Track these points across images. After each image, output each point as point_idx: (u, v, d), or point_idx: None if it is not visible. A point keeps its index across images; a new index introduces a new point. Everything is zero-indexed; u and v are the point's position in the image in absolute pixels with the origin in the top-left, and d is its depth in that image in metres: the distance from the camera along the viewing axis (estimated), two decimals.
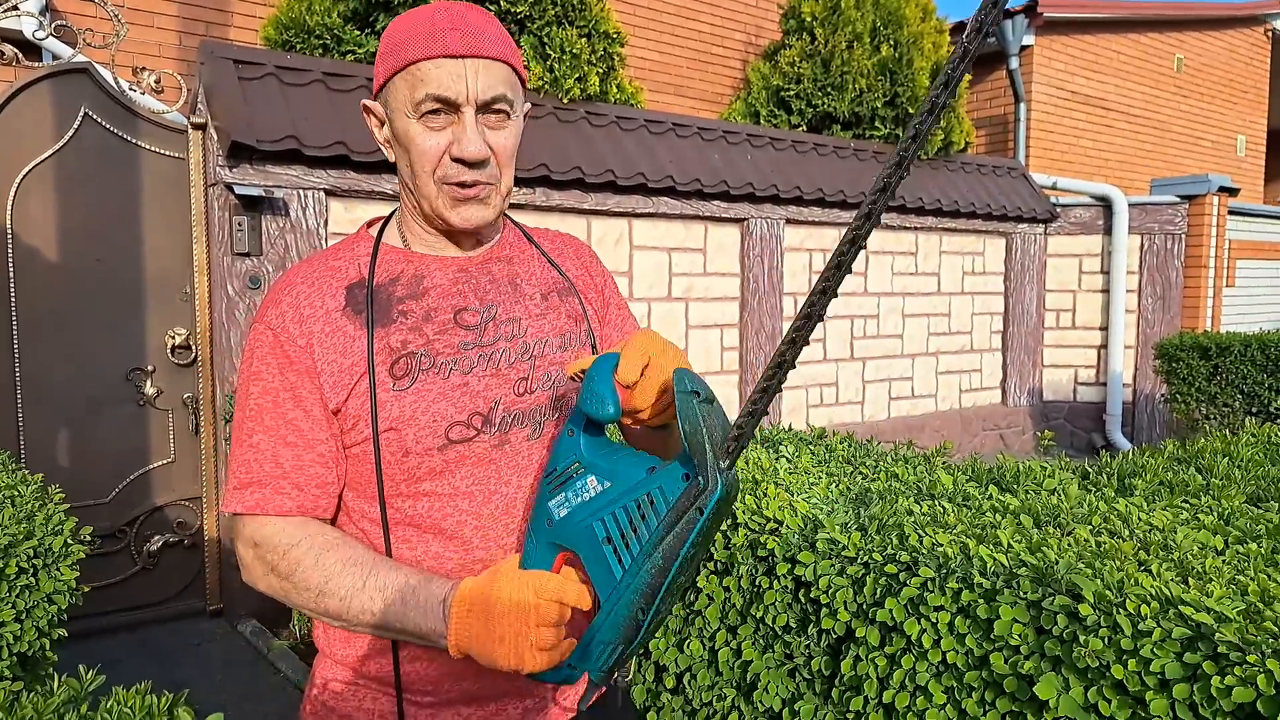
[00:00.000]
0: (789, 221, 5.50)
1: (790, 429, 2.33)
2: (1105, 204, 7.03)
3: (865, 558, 1.43)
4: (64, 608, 1.54)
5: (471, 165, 1.06)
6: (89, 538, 1.56)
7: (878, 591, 1.39)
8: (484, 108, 1.05)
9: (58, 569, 1.53)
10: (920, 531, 1.45)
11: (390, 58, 1.05)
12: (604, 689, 1.11)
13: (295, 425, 1.05)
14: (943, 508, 1.61)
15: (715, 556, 1.61)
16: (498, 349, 1.13)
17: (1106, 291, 7.11)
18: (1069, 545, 1.40)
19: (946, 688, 1.33)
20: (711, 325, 5.29)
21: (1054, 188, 7.37)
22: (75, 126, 3.67)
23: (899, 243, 6.20)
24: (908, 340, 6.37)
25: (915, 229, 6.24)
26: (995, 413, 6.99)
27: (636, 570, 0.89)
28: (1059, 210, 7.12)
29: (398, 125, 1.07)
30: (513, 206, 4.47)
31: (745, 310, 5.36)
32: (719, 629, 1.65)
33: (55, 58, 4.18)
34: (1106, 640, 1.16)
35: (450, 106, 1.04)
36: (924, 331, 6.47)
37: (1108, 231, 7.05)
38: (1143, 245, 7.06)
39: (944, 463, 2.00)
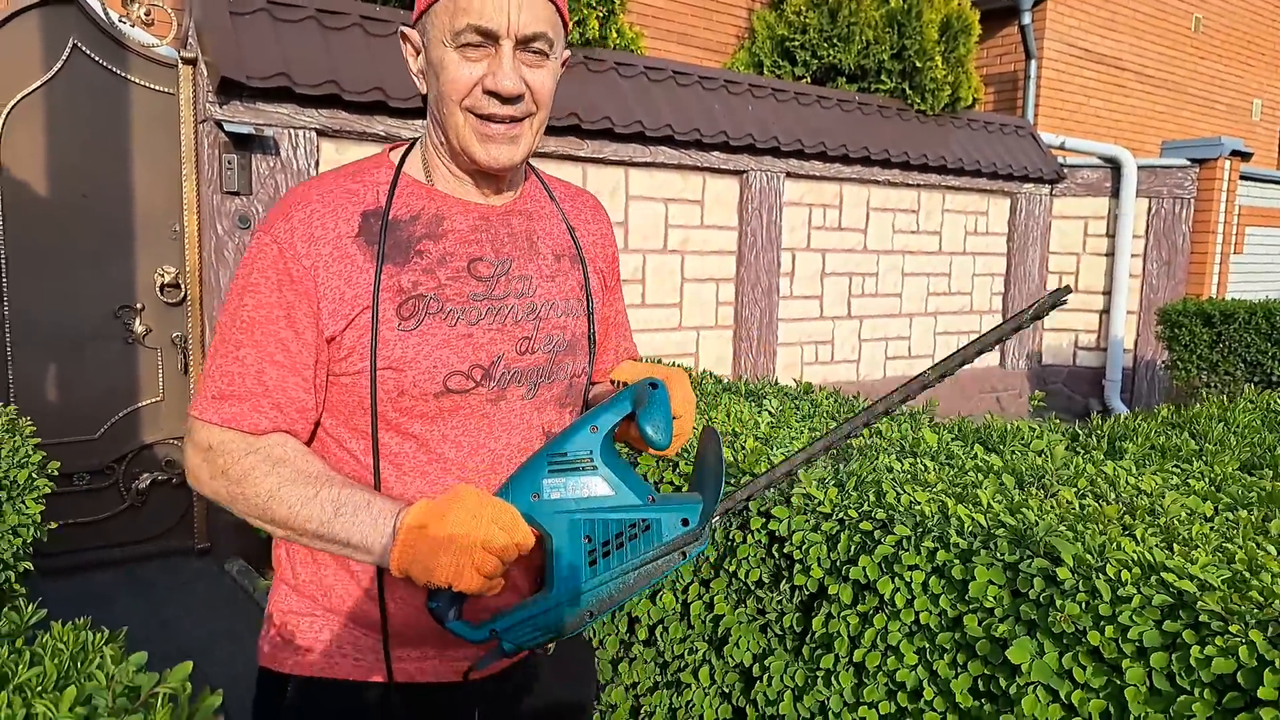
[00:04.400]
0: (789, 175, 5.41)
1: (776, 383, 2.30)
2: (1114, 166, 6.91)
3: (840, 514, 1.40)
4: (29, 541, 1.52)
5: (504, 100, 1.03)
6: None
7: (851, 549, 1.36)
8: (523, 43, 1.02)
9: (23, 502, 1.50)
10: (899, 489, 1.42)
11: None
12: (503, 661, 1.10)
13: (285, 344, 1.03)
14: (924, 465, 1.58)
15: None
16: (506, 304, 1.11)
17: (1111, 255, 7.02)
18: (1051, 507, 1.37)
19: (919, 648, 1.31)
20: (707, 279, 5.23)
21: (1062, 148, 7.24)
22: (64, 58, 3.58)
23: (900, 200, 6.10)
24: (906, 299, 6.31)
25: (918, 186, 6.14)
26: (992, 375, 6.96)
27: (606, 580, 0.97)
28: (1066, 171, 7.00)
29: (433, 53, 1.04)
30: None
31: (742, 265, 5.30)
32: (692, 582, 1.64)
33: None
34: (1084, 605, 1.13)
35: (489, 38, 1.01)
36: (923, 291, 6.41)
37: (1115, 194, 6.94)
38: (1150, 209, 6.95)
39: (930, 420, 1.97)
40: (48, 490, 1.53)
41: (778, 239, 5.37)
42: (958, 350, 1.07)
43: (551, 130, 4.40)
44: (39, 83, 3.53)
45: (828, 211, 5.70)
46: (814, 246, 5.67)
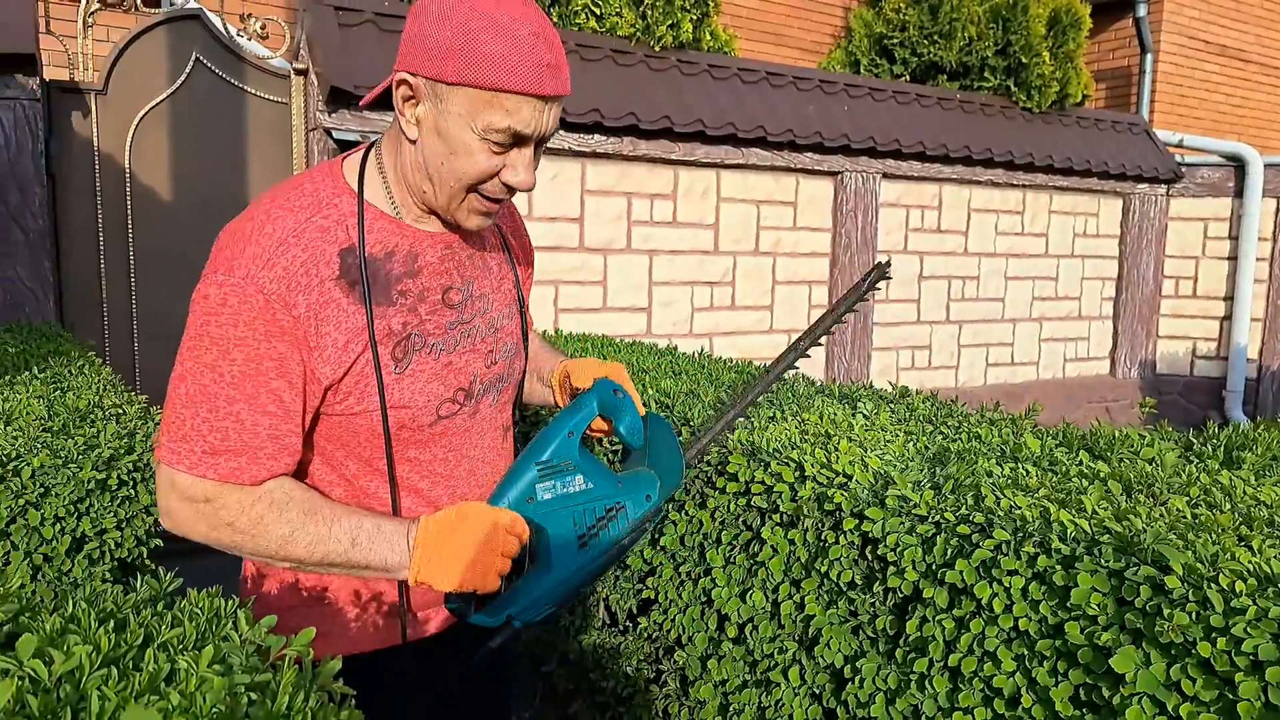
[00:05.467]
0: (886, 176, 5.31)
1: (871, 386, 2.27)
2: (1237, 164, 6.52)
3: (936, 517, 1.38)
4: (159, 519, 1.64)
5: (513, 190, 1.09)
6: None
7: (948, 552, 1.34)
8: (541, 142, 1.07)
9: (156, 483, 1.62)
10: (998, 493, 1.39)
11: (475, 67, 0.97)
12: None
13: (278, 395, 1.03)
14: (1026, 470, 1.54)
15: (782, 508, 1.58)
16: (474, 325, 1.19)
17: (1234, 259, 6.62)
18: (1160, 515, 1.31)
19: (1017, 655, 1.28)
20: (799, 281, 5.18)
21: (1180, 145, 6.88)
22: (187, 71, 3.82)
23: (1005, 201, 5.91)
24: (1010, 304, 6.11)
25: (1023, 186, 5.94)
26: (1102, 384, 6.66)
27: (596, 556, 1.13)
28: (1184, 170, 6.65)
29: (451, 127, 1.01)
30: (599, 156, 4.45)
31: (835, 267, 5.23)
32: (783, 581, 1.63)
33: (171, 3, 4.34)
34: (1194, 616, 1.08)
35: (519, 139, 1.04)
36: (1028, 295, 6.19)
37: (1238, 194, 6.55)
38: (1278, 210, 6.54)
39: (1033, 426, 1.91)
40: None
41: (873, 241, 5.28)
42: (805, 333, 1.28)
43: (643, 134, 4.44)
44: (166, 94, 3.78)
45: (926, 213, 5.57)
46: (911, 249, 5.55)
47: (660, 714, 2.15)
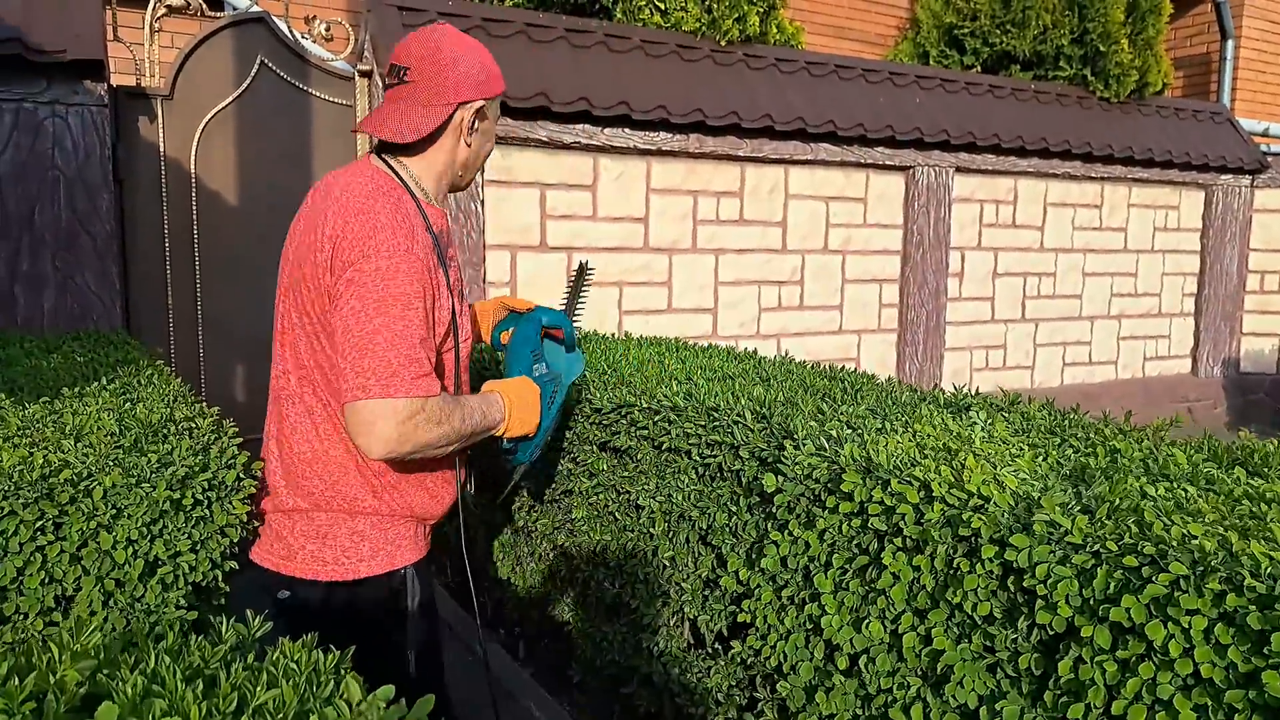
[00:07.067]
0: (959, 170, 5.10)
1: (977, 393, 2.10)
2: None
3: (1095, 546, 1.22)
4: (235, 540, 1.54)
5: None
6: (259, 472, 1.55)
7: (1111, 586, 1.18)
8: None
9: (230, 502, 1.53)
10: (1166, 519, 1.22)
11: (497, 80, 1.53)
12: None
13: (426, 338, 1.42)
14: (1185, 491, 1.37)
15: (906, 532, 1.43)
16: (463, 277, 1.72)
17: None
18: None
19: (1197, 705, 1.12)
20: (870, 280, 5.00)
21: (1265, 135, 6.53)
22: (252, 75, 3.78)
23: (1082, 194, 5.65)
24: (1087, 301, 5.84)
25: (1101, 179, 5.67)
26: (1184, 383, 6.35)
27: (555, 415, 1.70)
28: (1270, 160, 6.30)
29: (492, 126, 1.58)
30: (665, 153, 4.33)
31: (907, 265, 5.03)
32: (904, 611, 1.49)
33: (234, 8, 4.32)
34: None
35: None
36: (1106, 292, 5.91)
37: None
38: None
39: (1169, 438, 1.73)
40: (251, 490, 1.55)
41: (946, 237, 5.07)
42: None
43: (709, 130, 4.31)
44: (231, 98, 3.75)
45: (1000, 208, 5.34)
46: (985, 245, 5.33)
47: None
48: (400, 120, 1.45)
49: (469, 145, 1.51)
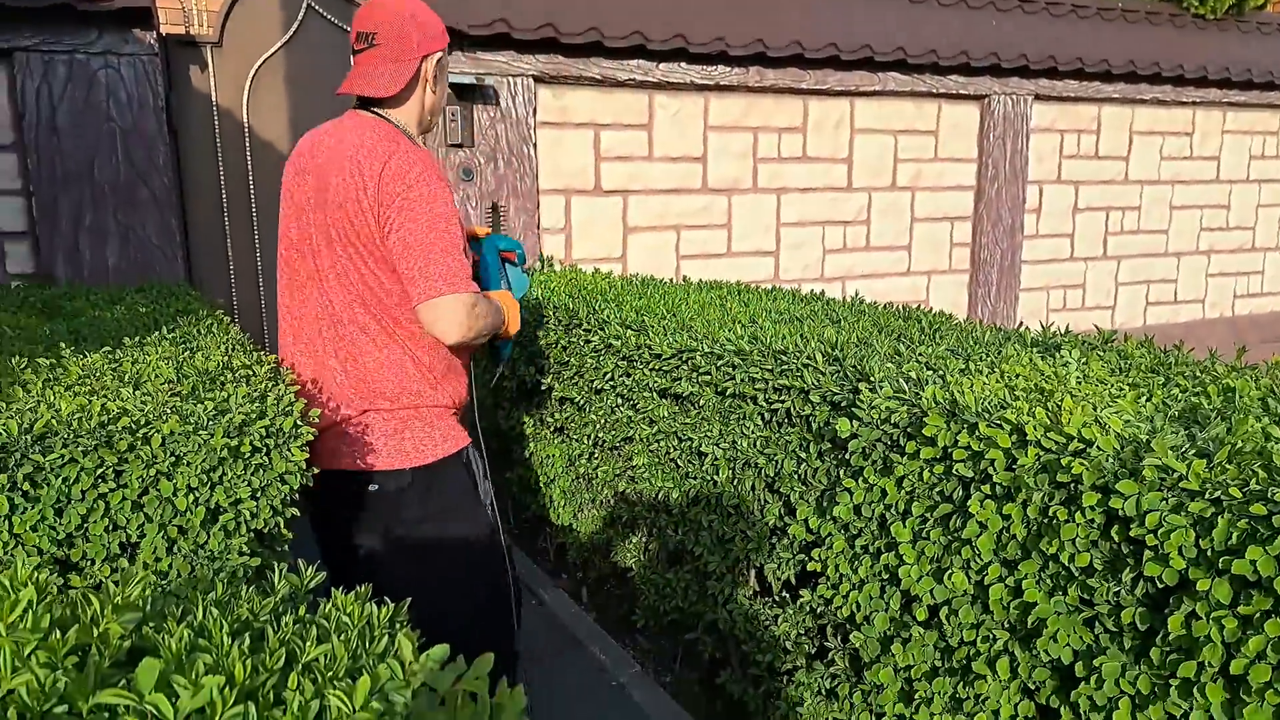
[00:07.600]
0: (1038, 98, 4.81)
1: (1067, 330, 1.96)
2: None
3: (1215, 493, 1.10)
4: (295, 488, 1.52)
5: None
6: (316, 417, 1.51)
7: (1234, 536, 1.07)
8: None
9: (289, 449, 1.50)
10: None
11: (445, 35, 1.76)
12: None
13: (465, 248, 1.69)
14: None
15: (995, 479, 1.33)
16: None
17: None
18: None
19: None
20: (940, 218, 4.78)
21: None
22: (299, 19, 3.72)
23: (1171, 121, 5.30)
24: (1174, 236, 5.52)
25: (1193, 104, 5.30)
26: (1276, 322, 5.99)
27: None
28: None
29: (441, 79, 1.79)
30: (723, 88, 4.16)
31: (981, 201, 4.80)
32: (992, 562, 1.39)
33: None
34: None
35: None
36: (1194, 226, 5.58)
37: None
38: None
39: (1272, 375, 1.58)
40: (310, 437, 1.52)
41: (1023, 171, 4.81)
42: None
43: (770, 62, 4.12)
44: (280, 43, 3.69)
45: (1082, 138, 5.04)
46: (1065, 178, 5.05)
47: (824, 693, 1.95)
48: (380, 78, 1.68)
49: (434, 92, 1.75)
